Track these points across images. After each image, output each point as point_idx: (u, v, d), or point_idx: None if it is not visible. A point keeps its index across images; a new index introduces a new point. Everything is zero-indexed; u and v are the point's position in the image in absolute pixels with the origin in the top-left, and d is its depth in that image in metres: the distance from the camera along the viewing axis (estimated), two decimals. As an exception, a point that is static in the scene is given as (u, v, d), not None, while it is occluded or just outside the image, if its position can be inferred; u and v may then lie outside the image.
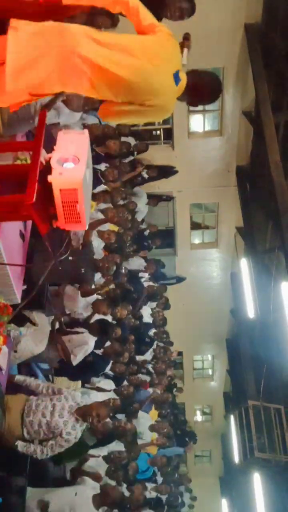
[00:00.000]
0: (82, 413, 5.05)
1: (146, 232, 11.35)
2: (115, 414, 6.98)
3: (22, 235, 4.37)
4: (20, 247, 4.37)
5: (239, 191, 12.89)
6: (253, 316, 11.94)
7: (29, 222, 4.40)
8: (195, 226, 14.82)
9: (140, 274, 10.27)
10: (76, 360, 6.14)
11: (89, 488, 5.70)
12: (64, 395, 5.08)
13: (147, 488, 8.73)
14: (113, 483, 6.44)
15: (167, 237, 13.92)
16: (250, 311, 11.95)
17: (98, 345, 6.57)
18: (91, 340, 6.25)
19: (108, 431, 5.51)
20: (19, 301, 4.50)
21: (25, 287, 4.69)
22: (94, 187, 6.91)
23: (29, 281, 4.66)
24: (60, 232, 2.71)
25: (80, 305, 6.36)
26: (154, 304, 11.34)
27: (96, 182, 7.45)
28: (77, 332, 6.21)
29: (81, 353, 6.16)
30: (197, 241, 15.30)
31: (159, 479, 9.93)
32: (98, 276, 6.77)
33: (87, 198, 2.74)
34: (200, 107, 12.36)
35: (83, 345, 6.25)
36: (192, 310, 15.96)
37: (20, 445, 4.79)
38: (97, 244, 6.85)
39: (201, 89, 3.25)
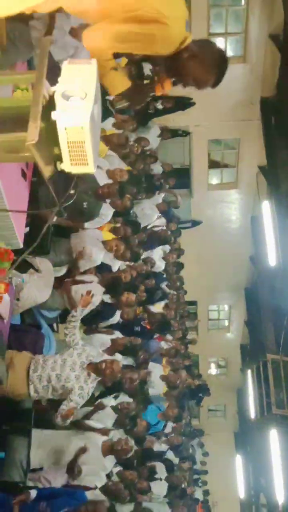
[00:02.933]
0: (94, 368, 5.22)
1: (157, 169, 11.20)
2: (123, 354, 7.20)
3: (24, 174, 4.35)
4: (22, 186, 4.36)
5: (263, 125, 12.66)
6: (275, 264, 12.00)
7: (31, 163, 4.39)
8: (213, 164, 14.67)
9: (151, 212, 10.26)
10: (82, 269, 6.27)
11: (98, 436, 5.95)
12: (77, 352, 5.24)
13: (158, 446, 9.08)
14: (122, 433, 6.69)
15: (182, 177, 13.81)
16: (272, 258, 12.00)
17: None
18: (99, 293, 6.35)
19: (117, 380, 5.70)
20: (21, 245, 4.55)
21: (27, 229, 4.73)
22: (102, 119, 6.83)
23: (32, 223, 4.69)
24: (65, 175, 2.70)
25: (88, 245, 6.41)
26: (166, 249, 11.37)
27: (104, 113, 7.36)
28: (84, 282, 6.29)
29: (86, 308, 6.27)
30: (215, 181, 15.18)
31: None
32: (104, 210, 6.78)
33: (95, 137, 2.71)
34: (222, 29, 12.01)
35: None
36: (208, 256, 16.03)
37: None
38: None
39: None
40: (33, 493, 4.70)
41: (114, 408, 6.72)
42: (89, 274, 6.46)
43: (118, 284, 6.73)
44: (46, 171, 2.66)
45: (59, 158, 2.64)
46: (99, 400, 6.47)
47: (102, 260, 6.85)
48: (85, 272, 6.41)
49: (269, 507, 16.43)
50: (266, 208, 12.36)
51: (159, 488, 8.54)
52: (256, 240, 14.79)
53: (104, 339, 7.10)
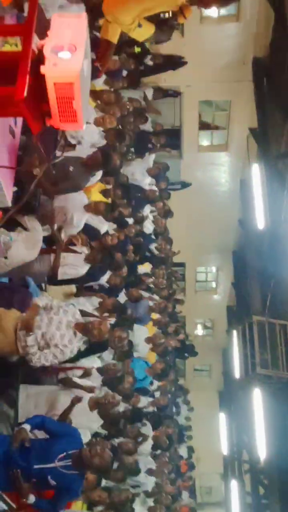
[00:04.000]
0: (82, 328, 5.25)
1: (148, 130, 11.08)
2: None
3: (12, 131, 4.29)
4: (10, 144, 4.30)
5: (255, 86, 12.49)
6: (263, 227, 12.02)
7: (20, 118, 4.31)
8: (204, 126, 14.51)
9: (141, 178, 10.20)
10: (62, 276, 6.26)
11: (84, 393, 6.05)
12: (63, 309, 5.26)
13: (145, 401, 9.22)
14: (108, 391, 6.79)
15: (172, 138, 13.65)
16: (260, 221, 12.00)
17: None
18: (83, 269, 6.36)
19: (103, 340, 5.75)
20: (9, 204, 4.52)
21: (15, 189, 4.69)
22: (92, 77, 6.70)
23: (20, 182, 4.65)
24: (54, 132, 2.67)
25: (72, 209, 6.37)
26: (155, 212, 11.35)
27: (94, 72, 7.23)
28: (75, 252, 6.29)
29: (70, 274, 6.27)
30: (205, 143, 15.05)
31: (156, 393, 10.45)
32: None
33: (85, 93, 2.67)
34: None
35: (77, 267, 6.35)
36: (197, 219, 16.01)
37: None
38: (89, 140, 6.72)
39: None
40: (27, 427, 4.78)
41: (100, 370, 6.80)
42: (77, 241, 6.42)
43: (107, 259, 6.73)
44: (35, 127, 2.63)
45: (47, 114, 2.61)
46: (85, 368, 6.49)
47: (90, 223, 6.83)
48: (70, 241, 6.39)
49: (251, 462, 16.89)
50: (256, 171, 12.29)
51: (145, 444, 8.72)
52: (245, 204, 14.78)
53: (92, 300, 7.13)
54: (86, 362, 6.42)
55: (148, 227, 10.76)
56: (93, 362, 6.64)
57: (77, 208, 6.41)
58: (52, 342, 5.04)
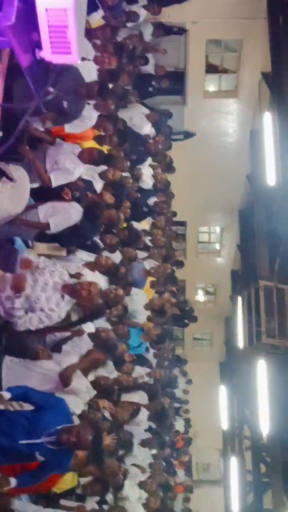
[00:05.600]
0: (70, 290, 5.24)
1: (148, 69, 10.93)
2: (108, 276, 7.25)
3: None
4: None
5: (269, 25, 12.24)
6: (274, 184, 11.95)
7: (6, 50, 4.21)
8: (211, 68, 14.33)
9: (140, 124, 10.10)
10: (52, 228, 6.25)
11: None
12: (49, 270, 5.24)
13: (142, 372, 9.34)
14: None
15: (176, 82, 13.52)
16: (271, 177, 11.93)
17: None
18: (76, 214, 6.33)
19: (97, 307, 5.76)
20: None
21: (0, 133, 4.63)
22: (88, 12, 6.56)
23: (6, 124, 4.59)
24: (45, 65, 2.60)
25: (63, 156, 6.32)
26: (156, 165, 11.27)
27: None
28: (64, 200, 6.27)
29: (60, 224, 6.24)
30: (212, 88, 14.88)
31: (153, 360, 10.58)
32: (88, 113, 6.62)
33: (81, 22, 2.60)
34: None
35: (69, 213, 6.33)
36: (200, 173, 15.94)
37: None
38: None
39: None
40: (6, 395, 4.84)
41: (92, 336, 6.84)
42: (66, 195, 6.40)
43: (97, 210, 6.68)
44: (24, 59, 2.56)
45: (38, 45, 2.54)
46: (77, 326, 6.56)
47: (84, 176, 6.79)
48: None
49: (252, 438, 17.20)
50: (268, 121, 12.15)
51: (140, 415, 8.86)
52: (255, 157, 14.67)
53: (85, 257, 7.13)
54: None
55: (148, 181, 10.70)
56: (86, 326, 6.67)
57: (70, 157, 6.36)
58: (37, 305, 5.04)
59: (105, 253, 7.37)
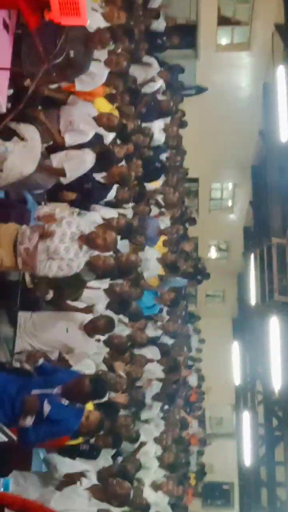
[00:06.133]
0: (87, 239, 5.28)
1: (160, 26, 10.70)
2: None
3: (6, 26, 4.16)
4: (4, 40, 4.19)
5: (284, -26, 12.02)
6: (286, 139, 11.85)
7: (14, 12, 4.17)
8: (223, 21, 14.13)
9: (151, 84, 9.97)
10: (67, 179, 6.23)
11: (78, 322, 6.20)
12: (66, 221, 5.27)
13: (152, 326, 9.46)
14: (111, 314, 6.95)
15: (187, 35, 13.28)
16: (284, 132, 11.83)
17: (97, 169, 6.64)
18: (89, 159, 6.30)
19: (110, 268, 5.80)
20: (3, 110, 4.48)
21: (11, 92, 4.61)
22: None
23: (16, 84, 4.57)
24: (54, 27, 2.59)
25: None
26: (167, 121, 11.14)
27: None
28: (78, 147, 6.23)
29: (75, 170, 6.20)
30: (224, 41, 14.67)
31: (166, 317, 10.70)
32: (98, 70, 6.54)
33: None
34: None
35: (80, 164, 6.29)
36: (213, 129, 15.79)
37: None
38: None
39: None
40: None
41: (107, 291, 6.92)
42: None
43: (109, 156, 6.64)
44: (32, 21, 2.56)
45: (47, 6, 2.53)
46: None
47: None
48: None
49: (265, 393, 17.45)
50: (281, 74, 11.99)
51: (153, 368, 9.02)
52: (268, 112, 14.49)
53: (97, 218, 7.14)
54: (93, 282, 6.49)
55: (159, 138, 10.60)
56: (101, 282, 6.73)
57: (85, 119, 6.31)
58: (56, 256, 5.10)
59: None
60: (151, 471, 9.22)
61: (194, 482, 18.73)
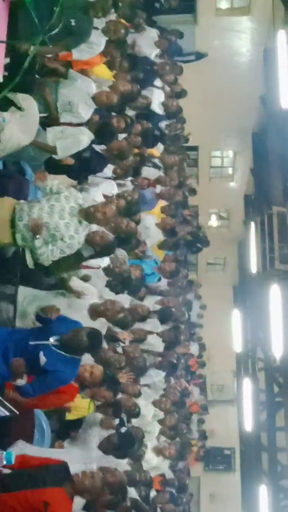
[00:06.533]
0: (86, 214, 5.26)
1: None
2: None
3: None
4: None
5: None
6: (287, 106, 11.72)
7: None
8: (223, -16, 13.86)
9: (149, 52, 9.83)
10: (59, 153, 6.18)
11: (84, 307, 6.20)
12: (64, 195, 5.24)
13: (152, 301, 9.46)
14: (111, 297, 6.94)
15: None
16: (284, 99, 11.68)
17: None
18: (86, 140, 6.24)
19: (108, 243, 5.79)
20: (0, 79, 4.41)
21: (8, 60, 4.55)
22: None
23: (12, 53, 4.50)
24: None
25: None
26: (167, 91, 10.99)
27: None
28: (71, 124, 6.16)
29: (68, 149, 6.15)
30: (224, 5, 14.46)
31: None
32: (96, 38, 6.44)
33: None
34: None
35: (74, 144, 6.24)
36: (213, 95, 15.61)
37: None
38: None
39: None
40: None
41: (106, 270, 6.89)
42: None
43: (109, 131, 6.58)
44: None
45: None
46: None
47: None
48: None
49: (266, 360, 17.57)
50: (282, 38, 11.78)
51: (152, 340, 9.03)
52: (268, 77, 14.30)
53: (97, 196, 7.08)
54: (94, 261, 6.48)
55: (158, 110, 10.48)
56: (99, 261, 6.70)
57: (84, 100, 6.22)
58: (57, 234, 5.08)
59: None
60: (153, 435, 9.33)
61: (196, 447, 19.01)
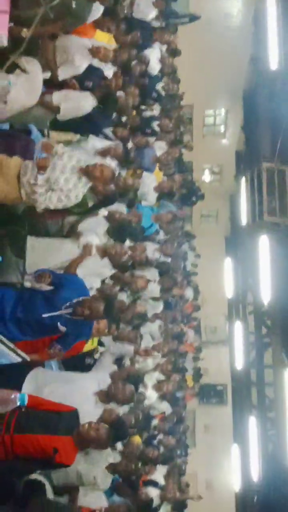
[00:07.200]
0: (85, 171, 5.25)
1: None
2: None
3: None
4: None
5: None
6: (276, 66, 11.53)
7: None
8: None
9: (147, 11, 9.57)
10: (61, 113, 6.11)
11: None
12: (67, 154, 5.22)
13: (150, 248, 9.45)
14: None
15: None
16: (273, 59, 11.48)
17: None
18: (87, 106, 6.16)
19: (109, 192, 5.77)
20: (5, 43, 4.34)
21: (12, 24, 4.44)
22: None
23: (15, 21, 4.40)
24: None
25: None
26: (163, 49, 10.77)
27: None
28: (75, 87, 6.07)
29: (69, 112, 6.07)
30: None
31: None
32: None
33: None
34: None
35: (75, 109, 6.16)
36: (206, 55, 15.32)
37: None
38: None
39: None
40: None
41: (107, 217, 6.88)
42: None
43: (112, 101, 6.49)
44: None
45: None
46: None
47: (93, 63, 6.52)
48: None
49: (255, 305, 17.76)
50: (271, 0, 11.50)
51: (151, 288, 9.09)
52: (258, 39, 14.03)
53: (97, 144, 7.03)
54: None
55: (154, 67, 10.29)
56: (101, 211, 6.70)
57: (80, 50, 6.10)
58: (56, 186, 5.09)
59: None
60: (153, 375, 9.47)
61: (192, 383, 19.34)
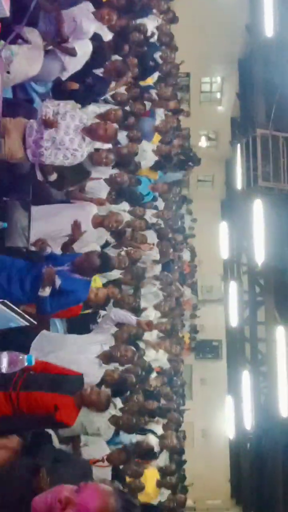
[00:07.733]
0: (89, 131, 5.17)
1: None
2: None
3: None
4: None
5: None
6: (271, 35, 11.27)
7: None
8: None
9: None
10: (69, 71, 5.95)
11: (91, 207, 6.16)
12: (69, 114, 5.13)
13: (149, 213, 9.42)
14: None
15: None
16: (269, 27, 11.23)
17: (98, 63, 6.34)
18: (89, 50, 5.99)
19: (110, 163, 5.70)
20: (7, 14, 4.21)
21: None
22: None
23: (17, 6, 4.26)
24: None
25: None
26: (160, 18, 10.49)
27: None
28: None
29: (78, 62, 5.90)
30: None
31: (160, 204, 10.65)
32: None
33: None
34: None
35: (82, 56, 5.97)
36: (202, 24, 15.02)
37: None
38: None
39: None
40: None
41: (108, 180, 6.83)
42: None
43: (101, 52, 6.31)
44: None
45: None
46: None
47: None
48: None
49: (249, 266, 17.80)
50: None
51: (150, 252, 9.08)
52: (254, 6, 13.67)
53: (96, 109, 6.92)
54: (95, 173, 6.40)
55: (152, 35, 10.05)
56: (101, 173, 6.63)
57: (85, 14, 5.92)
58: (62, 146, 5.02)
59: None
60: (153, 333, 9.54)
61: (188, 340, 19.54)
